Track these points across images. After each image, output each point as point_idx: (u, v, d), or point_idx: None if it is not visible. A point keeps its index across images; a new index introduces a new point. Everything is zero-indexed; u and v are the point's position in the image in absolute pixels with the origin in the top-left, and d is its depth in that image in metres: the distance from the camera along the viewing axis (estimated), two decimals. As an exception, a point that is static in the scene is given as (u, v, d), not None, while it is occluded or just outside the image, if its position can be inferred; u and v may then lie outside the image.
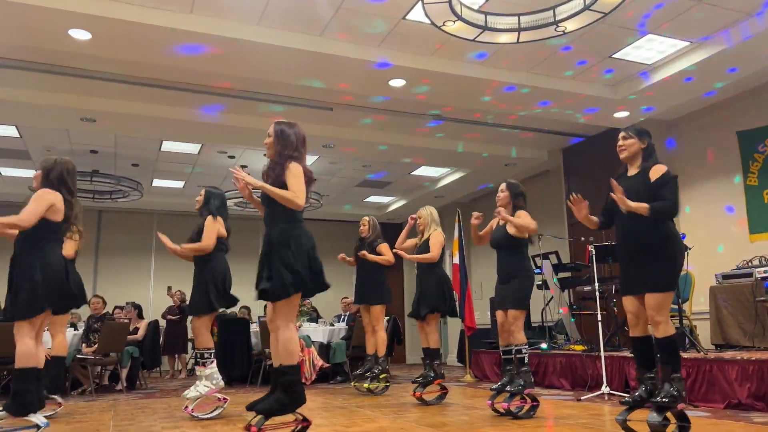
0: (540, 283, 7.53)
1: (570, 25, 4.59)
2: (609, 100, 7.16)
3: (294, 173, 3.25)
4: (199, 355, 4.59)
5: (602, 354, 5.49)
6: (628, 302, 3.51)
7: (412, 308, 5.52)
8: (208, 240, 4.61)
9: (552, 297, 7.78)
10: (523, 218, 4.40)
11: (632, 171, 3.61)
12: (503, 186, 4.64)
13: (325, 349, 7.99)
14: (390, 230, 13.32)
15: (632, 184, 3.55)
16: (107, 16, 5.11)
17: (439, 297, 5.31)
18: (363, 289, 6.13)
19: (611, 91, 7.13)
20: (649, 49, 6.25)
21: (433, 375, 5.27)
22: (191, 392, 4.48)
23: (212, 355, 4.61)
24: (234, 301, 4.73)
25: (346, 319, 9.40)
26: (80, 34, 5.35)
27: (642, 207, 3.36)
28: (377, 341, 6.00)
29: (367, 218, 6.39)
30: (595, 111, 7.47)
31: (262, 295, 3.18)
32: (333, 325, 8.66)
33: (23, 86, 6.57)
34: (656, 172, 3.46)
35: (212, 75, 6.27)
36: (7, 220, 3.49)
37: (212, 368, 4.58)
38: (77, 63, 5.97)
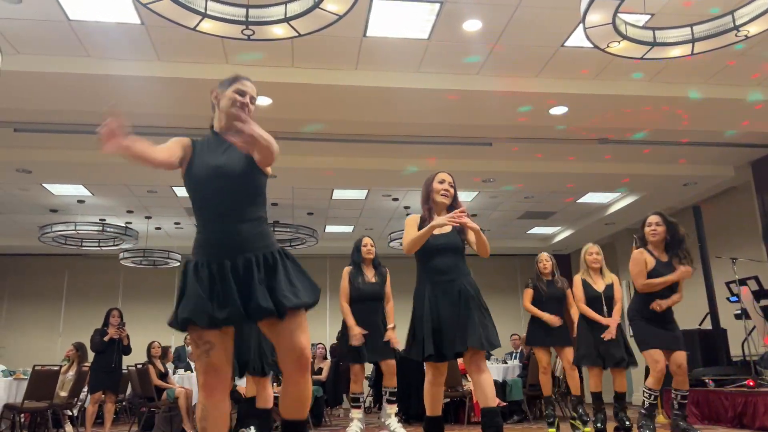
0: (738, 311, 6.78)
1: (753, 29, 4.20)
2: (806, 104, 6.37)
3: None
4: (390, 393, 4.80)
5: (828, 392, 4.77)
6: None
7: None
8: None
9: (754, 327, 6.94)
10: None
11: None
12: (659, 219, 4.46)
13: (500, 387, 7.83)
14: (557, 261, 12.84)
15: None
16: (285, 82, 5.68)
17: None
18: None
19: (808, 93, 6.34)
20: None
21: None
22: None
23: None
24: None
25: (518, 356, 9.16)
26: (261, 101, 5.99)
27: None
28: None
29: (545, 254, 5.82)
30: (788, 117, 6.68)
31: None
32: (506, 363, 8.49)
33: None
34: None
35: (376, 124, 6.64)
36: None
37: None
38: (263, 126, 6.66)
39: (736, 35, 4.22)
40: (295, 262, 2.26)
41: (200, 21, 4.03)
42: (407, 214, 10.36)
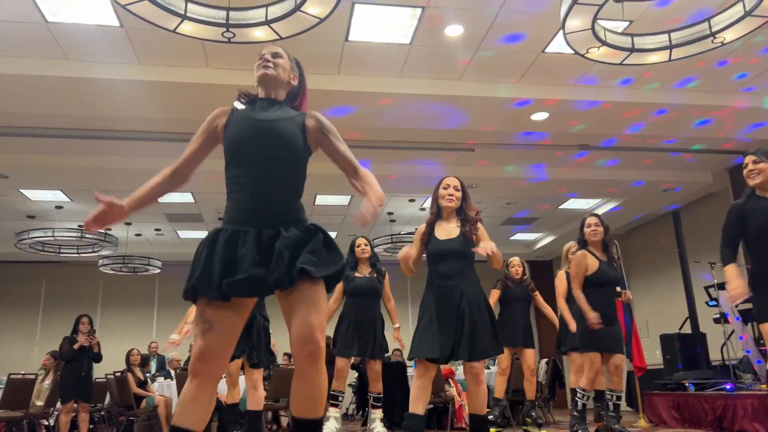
0: (717, 316, 6.85)
1: (729, 36, 4.27)
2: (780, 111, 6.50)
3: None
4: (375, 399, 4.78)
5: (805, 395, 4.82)
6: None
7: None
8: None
9: (732, 332, 7.03)
10: None
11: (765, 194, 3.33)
12: (597, 220, 4.54)
13: (483, 393, 7.82)
14: (539, 268, 12.92)
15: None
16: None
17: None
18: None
19: (782, 101, 6.47)
20: (825, 50, 5.61)
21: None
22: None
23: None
24: None
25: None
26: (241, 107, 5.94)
27: None
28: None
29: (517, 259, 5.90)
30: (764, 125, 6.80)
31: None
32: (489, 368, 8.47)
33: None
34: None
35: (357, 128, 6.62)
36: None
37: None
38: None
39: (712, 42, 4.29)
40: (327, 237, 2.12)
41: (180, 23, 4.00)
42: (391, 220, 10.40)
